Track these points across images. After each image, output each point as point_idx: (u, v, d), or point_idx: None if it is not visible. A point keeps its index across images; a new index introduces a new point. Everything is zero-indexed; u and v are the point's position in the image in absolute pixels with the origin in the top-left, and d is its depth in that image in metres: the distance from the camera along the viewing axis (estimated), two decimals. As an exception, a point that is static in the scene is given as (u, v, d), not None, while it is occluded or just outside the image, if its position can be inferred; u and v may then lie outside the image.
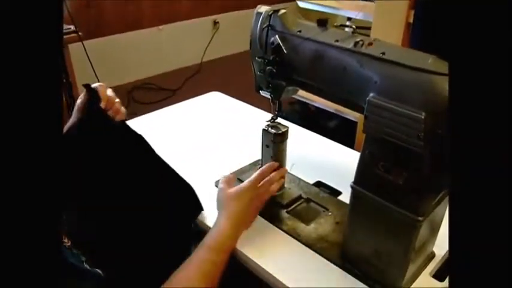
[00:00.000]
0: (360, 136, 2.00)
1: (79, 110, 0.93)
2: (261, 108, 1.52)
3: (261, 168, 0.99)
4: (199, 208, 0.99)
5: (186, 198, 0.98)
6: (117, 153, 0.92)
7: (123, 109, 0.96)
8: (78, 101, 0.93)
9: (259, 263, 0.87)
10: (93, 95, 0.90)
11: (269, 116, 1.03)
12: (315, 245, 0.92)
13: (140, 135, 0.96)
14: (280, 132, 1.00)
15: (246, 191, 0.95)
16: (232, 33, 4.53)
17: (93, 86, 0.91)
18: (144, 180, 0.94)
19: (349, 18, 2.14)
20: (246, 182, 0.96)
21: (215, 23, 4.43)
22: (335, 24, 0.86)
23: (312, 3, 2.21)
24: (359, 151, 0.78)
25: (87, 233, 0.82)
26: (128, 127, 0.96)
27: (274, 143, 1.00)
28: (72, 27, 2.41)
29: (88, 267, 0.73)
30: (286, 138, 1.02)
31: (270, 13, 0.90)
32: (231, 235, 0.89)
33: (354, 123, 2.07)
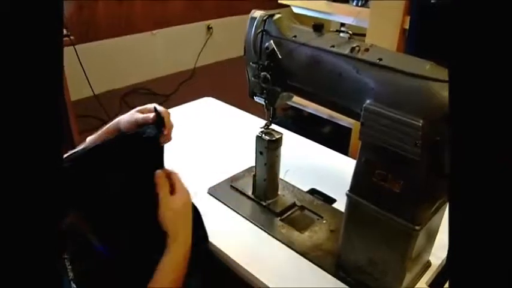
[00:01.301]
0: (354, 143, 1.99)
1: (131, 124, 0.88)
2: (255, 115, 1.51)
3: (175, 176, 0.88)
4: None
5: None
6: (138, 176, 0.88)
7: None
8: (139, 116, 0.87)
9: (252, 272, 0.86)
10: (158, 120, 0.86)
11: (263, 122, 1.02)
12: (309, 253, 0.91)
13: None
14: (274, 139, 0.98)
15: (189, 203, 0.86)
16: (226, 39, 4.52)
17: (159, 109, 0.86)
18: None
19: (342, 24, 2.14)
20: (185, 191, 0.86)
21: (209, 28, 4.42)
22: (330, 29, 0.84)
23: (306, 8, 2.21)
24: (353, 158, 0.77)
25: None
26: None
27: (268, 150, 0.99)
28: (64, 31, 2.39)
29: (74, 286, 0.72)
30: (280, 145, 1.01)
31: (264, 18, 0.88)
32: (183, 269, 0.81)
33: (348, 130, 2.06)
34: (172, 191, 0.84)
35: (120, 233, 0.83)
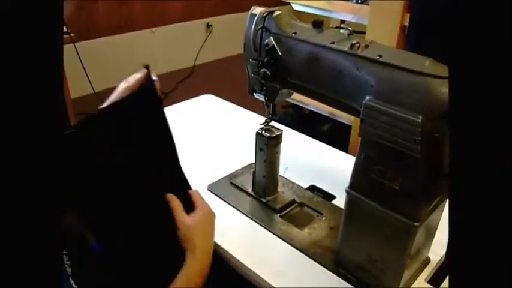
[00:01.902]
0: (354, 140, 1.99)
1: (129, 88, 0.91)
2: (255, 113, 1.51)
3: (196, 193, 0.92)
4: None
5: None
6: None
7: None
8: (132, 79, 0.92)
9: (252, 268, 0.86)
10: (149, 79, 0.88)
11: (263, 119, 1.02)
12: (309, 250, 0.91)
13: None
14: (274, 135, 0.98)
15: (213, 214, 0.89)
16: (226, 36, 4.52)
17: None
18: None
19: (342, 22, 2.13)
20: (206, 204, 0.89)
21: (208, 25, 4.41)
22: (330, 26, 0.84)
23: (306, 5, 2.21)
24: (353, 155, 0.77)
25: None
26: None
27: (268, 147, 0.99)
28: (64, 29, 2.38)
29: (74, 284, 0.71)
30: (280, 141, 1.01)
31: (264, 14, 0.88)
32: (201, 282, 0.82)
33: (347, 127, 2.06)
34: (192, 208, 0.87)
35: (118, 230, 0.83)
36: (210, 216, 0.89)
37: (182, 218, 0.85)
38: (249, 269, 0.86)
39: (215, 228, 0.89)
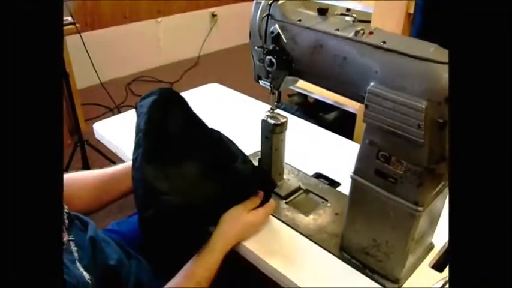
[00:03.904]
0: (359, 128, 1.99)
1: None
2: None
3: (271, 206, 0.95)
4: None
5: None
6: None
7: None
8: None
9: (258, 253, 0.87)
10: None
11: (268, 107, 1.02)
12: (314, 235, 0.92)
13: None
14: (279, 122, 0.99)
15: (255, 227, 0.92)
16: (231, 26, 4.51)
17: None
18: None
19: (347, 10, 2.12)
20: (265, 217, 0.94)
21: (213, 15, 4.41)
22: (335, 13, 0.85)
23: (311, -6, 2.19)
24: (358, 143, 0.78)
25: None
26: None
27: (274, 134, 1.00)
28: (70, 19, 2.39)
29: (81, 267, 0.72)
30: (286, 128, 1.01)
31: (269, 2, 0.89)
32: (215, 268, 0.85)
33: (353, 116, 2.06)
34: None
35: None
36: (258, 227, 0.93)
37: (243, 208, 0.90)
38: (254, 254, 0.87)
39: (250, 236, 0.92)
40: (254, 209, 0.91)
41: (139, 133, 0.88)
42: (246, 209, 0.90)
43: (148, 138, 0.87)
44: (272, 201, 0.95)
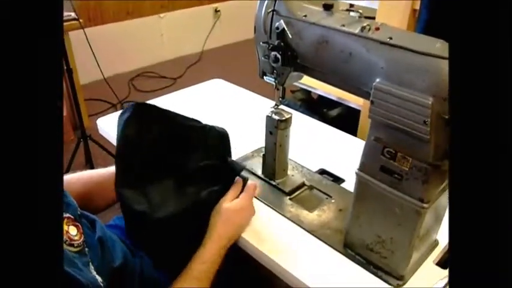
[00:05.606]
0: (363, 124, 1.99)
1: None
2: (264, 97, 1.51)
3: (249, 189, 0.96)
4: None
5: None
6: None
7: None
8: None
9: (262, 250, 0.87)
10: None
11: (272, 103, 1.02)
12: (318, 231, 0.92)
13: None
14: (284, 118, 0.99)
15: (249, 212, 0.94)
16: (234, 22, 4.50)
17: None
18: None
19: (351, 6, 2.11)
20: (247, 200, 0.93)
21: (216, 11, 4.40)
22: (341, 9, 0.84)
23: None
24: (362, 139, 0.78)
25: None
26: None
27: (278, 129, 1.00)
28: (73, 15, 2.39)
29: (93, 270, 0.72)
30: (290, 124, 1.01)
31: (274, -3, 0.88)
32: (211, 260, 0.85)
33: (357, 112, 2.05)
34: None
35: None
36: (244, 211, 0.93)
37: (223, 200, 0.91)
38: (258, 250, 0.87)
39: (248, 226, 0.93)
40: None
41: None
42: (227, 200, 0.91)
43: (119, 161, 0.91)
44: (251, 183, 0.96)
